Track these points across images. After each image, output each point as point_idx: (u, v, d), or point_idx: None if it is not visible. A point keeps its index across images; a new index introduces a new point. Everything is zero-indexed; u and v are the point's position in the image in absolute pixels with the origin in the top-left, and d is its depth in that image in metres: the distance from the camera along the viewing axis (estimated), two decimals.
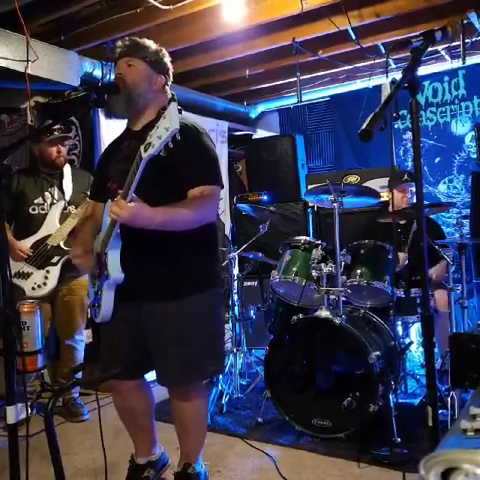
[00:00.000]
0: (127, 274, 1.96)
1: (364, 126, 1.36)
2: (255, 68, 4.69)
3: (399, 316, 3.23)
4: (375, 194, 3.13)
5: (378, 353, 2.70)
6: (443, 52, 4.20)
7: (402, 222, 3.61)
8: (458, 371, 1.58)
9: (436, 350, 2.85)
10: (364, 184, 4.38)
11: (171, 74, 2.19)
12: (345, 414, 2.68)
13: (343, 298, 2.94)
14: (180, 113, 1.87)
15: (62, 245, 3.19)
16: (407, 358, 3.44)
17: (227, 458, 2.67)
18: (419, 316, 3.16)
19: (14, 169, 3.40)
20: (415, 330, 3.76)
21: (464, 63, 3.87)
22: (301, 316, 2.91)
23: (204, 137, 2.04)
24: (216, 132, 5.10)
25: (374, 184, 4.27)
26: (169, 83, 2.17)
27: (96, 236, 2.11)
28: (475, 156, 4.65)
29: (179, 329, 2.01)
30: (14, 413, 1.49)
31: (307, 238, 3.26)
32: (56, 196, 3.27)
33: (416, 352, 3.79)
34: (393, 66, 4.50)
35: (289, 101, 5.54)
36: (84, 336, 2.14)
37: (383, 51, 4.19)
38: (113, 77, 2.12)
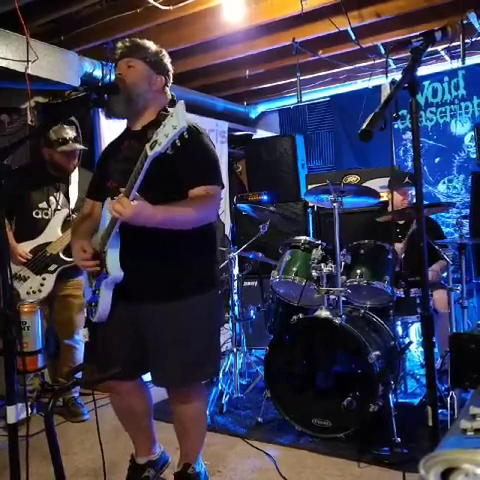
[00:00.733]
0: (126, 273, 1.96)
1: (364, 126, 1.36)
2: (255, 68, 4.69)
3: (399, 316, 3.23)
4: (375, 194, 3.14)
5: (378, 353, 2.70)
6: (443, 52, 4.20)
7: (401, 222, 3.61)
8: (458, 371, 1.58)
9: (436, 350, 2.86)
10: (364, 184, 4.38)
11: (171, 75, 2.19)
12: (345, 414, 2.68)
13: (343, 298, 2.94)
14: None
15: (61, 254, 3.15)
16: (407, 358, 3.45)
17: (227, 458, 2.67)
18: (419, 316, 3.16)
19: (16, 169, 3.39)
20: (415, 330, 3.76)
21: (464, 63, 3.87)
22: (301, 316, 2.91)
23: (204, 137, 2.05)
24: (216, 132, 5.10)
25: (374, 184, 4.27)
26: (169, 84, 2.18)
27: (93, 235, 2.11)
28: (475, 156, 4.65)
29: (179, 330, 2.00)
30: (14, 413, 1.49)
31: (307, 238, 3.26)
32: (61, 202, 3.22)
33: (416, 352, 3.79)
34: (393, 66, 4.50)
35: (289, 101, 5.54)
36: (81, 335, 2.13)
37: (383, 51, 4.20)
38: (113, 77, 2.12)
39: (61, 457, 1.54)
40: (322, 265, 2.92)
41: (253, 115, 5.87)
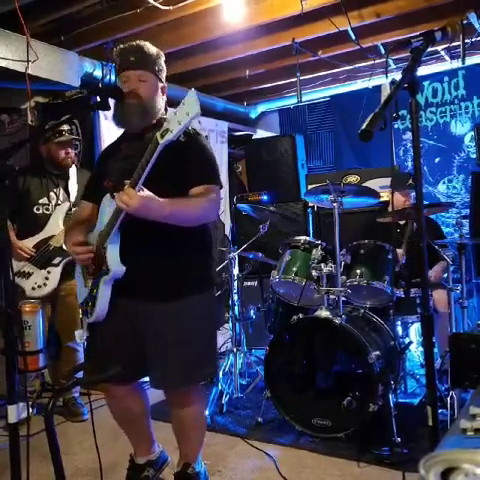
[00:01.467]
0: (126, 268, 1.95)
1: (364, 126, 1.36)
2: (255, 68, 4.70)
3: (399, 316, 3.24)
4: (375, 194, 3.14)
5: (378, 353, 2.71)
6: (443, 52, 4.20)
7: (401, 222, 3.61)
8: (458, 371, 1.58)
9: (436, 350, 2.86)
10: (364, 184, 4.38)
11: None
12: (345, 414, 2.68)
13: (343, 298, 2.94)
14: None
15: (65, 247, 3.18)
16: (407, 358, 3.45)
17: (227, 458, 2.67)
18: (419, 316, 3.17)
19: (16, 169, 3.39)
20: (415, 330, 3.76)
21: (464, 63, 3.87)
22: (301, 316, 2.91)
23: (202, 138, 2.09)
24: (216, 132, 5.11)
25: (374, 184, 4.27)
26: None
27: (89, 233, 2.09)
28: (475, 156, 4.65)
29: (179, 330, 2.00)
30: (15, 412, 1.49)
31: (307, 238, 3.26)
32: (61, 197, 3.25)
33: (416, 352, 3.79)
34: (393, 66, 4.50)
35: (289, 101, 5.54)
36: (77, 336, 2.11)
37: (383, 51, 4.20)
38: (116, 80, 2.12)
39: (61, 457, 1.54)
40: (322, 265, 2.92)
41: (253, 115, 5.88)
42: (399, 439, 2.56)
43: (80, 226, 2.15)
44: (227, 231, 5.30)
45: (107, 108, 2.00)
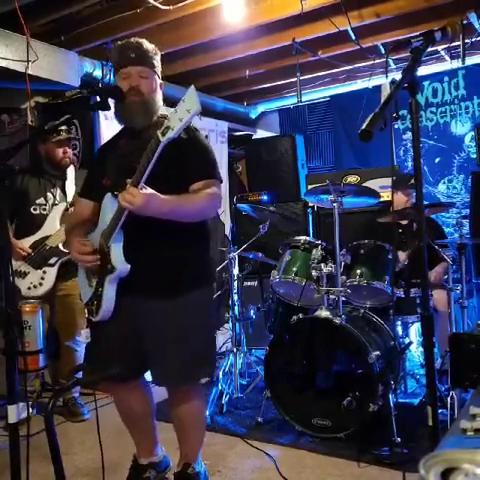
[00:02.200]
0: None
1: (364, 126, 1.36)
2: (255, 68, 4.70)
3: (399, 316, 3.23)
4: (375, 194, 3.13)
5: (378, 353, 2.70)
6: (443, 52, 4.20)
7: (404, 222, 3.61)
8: (458, 371, 1.58)
9: (436, 350, 2.86)
10: (364, 184, 4.38)
11: None
12: (345, 414, 2.68)
13: (343, 298, 2.94)
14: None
15: (61, 247, 3.17)
16: (407, 358, 3.45)
17: (227, 458, 2.67)
18: (419, 316, 3.16)
19: (16, 169, 3.39)
20: (415, 330, 3.76)
21: (464, 63, 3.88)
22: (301, 316, 2.91)
23: (201, 134, 2.11)
24: (216, 132, 5.11)
25: (374, 184, 4.27)
26: None
27: (90, 233, 2.09)
28: (475, 156, 4.64)
29: (177, 328, 2.00)
30: (15, 412, 1.49)
31: (307, 238, 3.26)
32: (58, 197, 3.26)
33: (416, 352, 3.79)
34: (393, 66, 4.51)
35: (289, 101, 5.54)
36: (83, 336, 2.12)
37: (383, 51, 4.20)
38: (115, 78, 2.11)
39: (61, 457, 1.54)
40: (322, 265, 2.92)
41: (253, 115, 5.88)
42: (399, 439, 2.56)
43: (80, 227, 2.15)
44: (227, 231, 5.30)
45: (107, 108, 2.00)
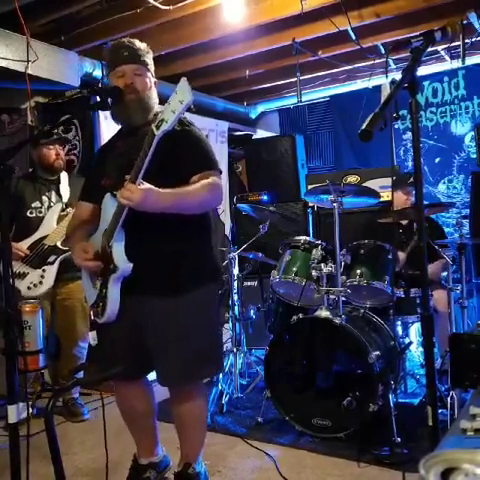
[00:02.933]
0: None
1: (364, 126, 1.36)
2: (255, 68, 4.69)
3: (399, 316, 3.23)
4: (375, 194, 3.14)
5: (378, 353, 2.71)
6: (443, 52, 4.20)
7: (404, 222, 3.61)
8: (458, 371, 1.58)
9: (436, 350, 2.86)
10: (364, 184, 4.38)
11: None
12: (345, 414, 2.68)
13: (343, 298, 2.94)
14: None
15: (59, 245, 3.17)
16: (407, 358, 3.45)
17: (227, 458, 2.67)
18: (419, 316, 3.17)
19: (17, 173, 3.39)
20: (415, 330, 3.76)
21: (464, 63, 3.87)
22: (301, 316, 2.91)
23: (195, 127, 2.11)
24: (216, 132, 5.10)
25: (374, 184, 4.26)
26: None
27: (91, 236, 2.09)
28: (475, 156, 4.64)
29: (179, 327, 2.00)
30: (15, 412, 1.49)
31: (307, 238, 3.26)
32: (53, 199, 3.26)
33: (416, 352, 3.80)
34: (393, 66, 4.50)
35: (289, 101, 5.54)
36: (90, 338, 2.12)
37: (383, 51, 4.20)
38: (109, 79, 2.12)
39: (61, 457, 1.54)
40: (322, 265, 2.92)
41: (253, 115, 5.87)
42: (399, 439, 2.56)
43: (82, 231, 2.15)
44: (227, 231, 5.29)
45: (107, 108, 2.01)
